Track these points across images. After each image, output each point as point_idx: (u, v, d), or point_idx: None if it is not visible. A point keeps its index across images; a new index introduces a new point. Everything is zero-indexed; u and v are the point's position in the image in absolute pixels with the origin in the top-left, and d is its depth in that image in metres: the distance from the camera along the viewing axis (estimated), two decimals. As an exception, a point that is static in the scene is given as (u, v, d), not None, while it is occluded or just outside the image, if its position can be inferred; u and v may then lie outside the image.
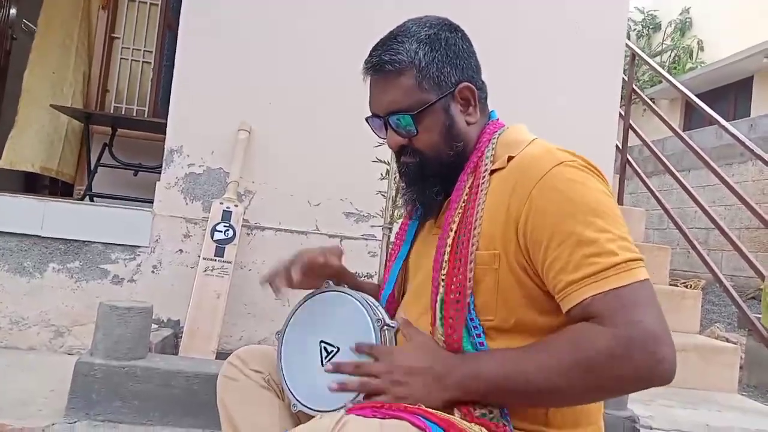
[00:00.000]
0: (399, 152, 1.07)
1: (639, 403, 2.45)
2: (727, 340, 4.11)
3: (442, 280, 0.97)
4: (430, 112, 1.02)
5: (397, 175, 2.25)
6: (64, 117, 4.06)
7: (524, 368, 0.87)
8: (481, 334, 0.94)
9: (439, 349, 0.95)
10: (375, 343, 0.98)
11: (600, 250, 0.86)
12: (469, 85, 1.04)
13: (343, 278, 1.15)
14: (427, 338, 0.97)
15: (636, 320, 0.82)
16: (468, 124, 1.05)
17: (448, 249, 0.98)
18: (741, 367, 3.47)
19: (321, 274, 1.12)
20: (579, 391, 0.86)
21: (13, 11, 4.83)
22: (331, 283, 1.10)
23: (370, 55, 1.05)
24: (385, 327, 0.99)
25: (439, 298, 0.97)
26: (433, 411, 0.87)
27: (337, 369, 0.97)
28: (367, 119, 1.09)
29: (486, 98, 1.10)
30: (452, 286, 0.95)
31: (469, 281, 0.94)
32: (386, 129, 1.06)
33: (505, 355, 0.90)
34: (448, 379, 0.90)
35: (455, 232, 0.98)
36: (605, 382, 0.84)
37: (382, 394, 0.91)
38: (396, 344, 1.00)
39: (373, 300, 1.05)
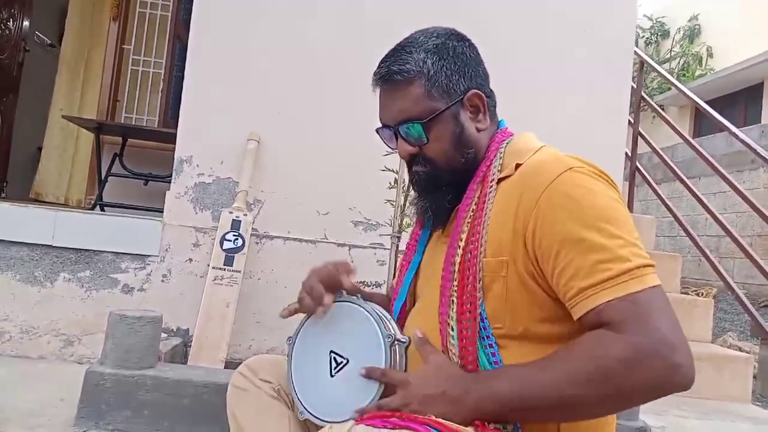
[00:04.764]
0: (410, 161, 1.07)
1: (651, 414, 2.42)
2: (740, 349, 4.06)
3: (454, 292, 0.96)
4: (440, 120, 1.02)
5: (406, 183, 2.26)
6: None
7: (539, 385, 0.85)
8: (494, 344, 0.93)
9: (453, 370, 0.93)
10: (384, 359, 0.96)
11: (612, 256, 0.85)
12: (478, 92, 1.04)
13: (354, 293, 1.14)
14: (441, 359, 0.95)
15: (651, 327, 0.81)
16: (478, 131, 1.05)
17: (458, 259, 0.97)
18: (754, 377, 3.43)
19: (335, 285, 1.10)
20: (595, 402, 0.84)
21: (26, 23, 4.88)
22: (344, 292, 1.10)
23: (379, 66, 1.05)
24: (396, 342, 0.98)
25: (452, 310, 0.96)
26: (444, 422, 0.86)
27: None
28: (377, 130, 1.09)
29: (495, 106, 1.10)
30: (464, 297, 0.95)
31: (479, 291, 0.94)
32: (396, 139, 1.06)
33: (519, 372, 0.88)
34: (463, 402, 0.88)
35: (465, 242, 0.98)
36: (622, 391, 0.82)
37: None
38: (406, 359, 0.99)
39: (384, 312, 1.03)
